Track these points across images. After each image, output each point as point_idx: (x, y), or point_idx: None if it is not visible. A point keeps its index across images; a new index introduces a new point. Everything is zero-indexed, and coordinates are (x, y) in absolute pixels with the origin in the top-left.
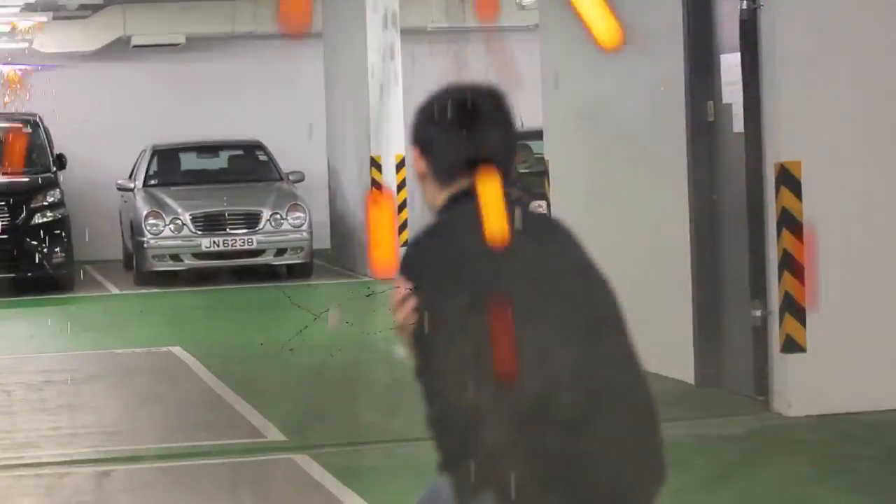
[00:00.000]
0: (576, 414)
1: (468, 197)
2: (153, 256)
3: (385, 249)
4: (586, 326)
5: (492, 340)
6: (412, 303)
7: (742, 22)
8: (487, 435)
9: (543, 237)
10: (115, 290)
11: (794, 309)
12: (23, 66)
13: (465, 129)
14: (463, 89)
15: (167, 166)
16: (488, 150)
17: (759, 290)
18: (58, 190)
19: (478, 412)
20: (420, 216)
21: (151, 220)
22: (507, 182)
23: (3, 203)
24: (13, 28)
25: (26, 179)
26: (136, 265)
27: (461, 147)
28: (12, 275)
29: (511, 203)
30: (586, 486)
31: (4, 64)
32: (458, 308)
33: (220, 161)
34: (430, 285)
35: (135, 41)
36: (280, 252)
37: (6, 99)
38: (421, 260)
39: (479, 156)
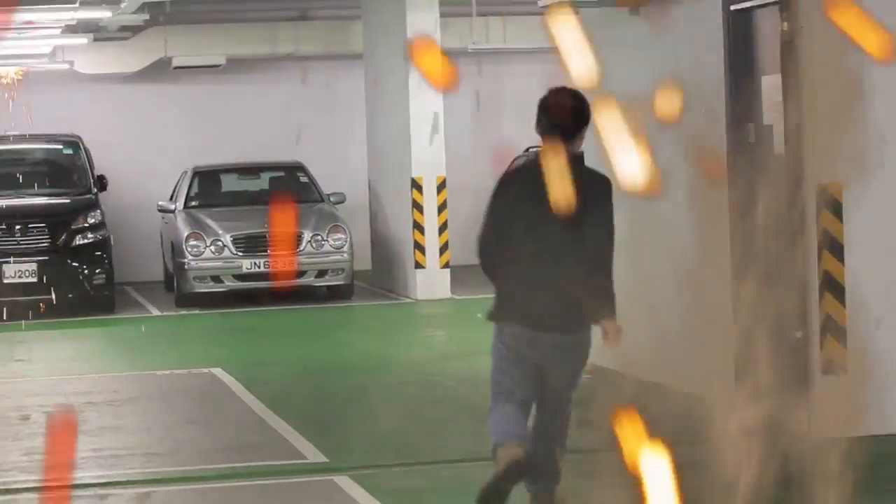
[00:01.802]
0: (534, 269)
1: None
2: (194, 278)
3: None
4: (558, 235)
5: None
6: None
7: (783, 44)
8: (495, 262)
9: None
10: (155, 312)
11: (835, 331)
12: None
13: (548, 113)
14: (552, 91)
15: (208, 188)
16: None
17: (800, 312)
18: (98, 211)
19: (490, 250)
20: (460, 239)
21: (192, 242)
22: (571, 147)
23: (44, 225)
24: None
25: (67, 201)
26: (177, 287)
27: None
28: (53, 296)
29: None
30: (529, 304)
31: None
32: (492, 202)
33: (262, 182)
34: (495, 187)
35: (176, 62)
36: (321, 273)
37: (6, 95)
38: (501, 175)
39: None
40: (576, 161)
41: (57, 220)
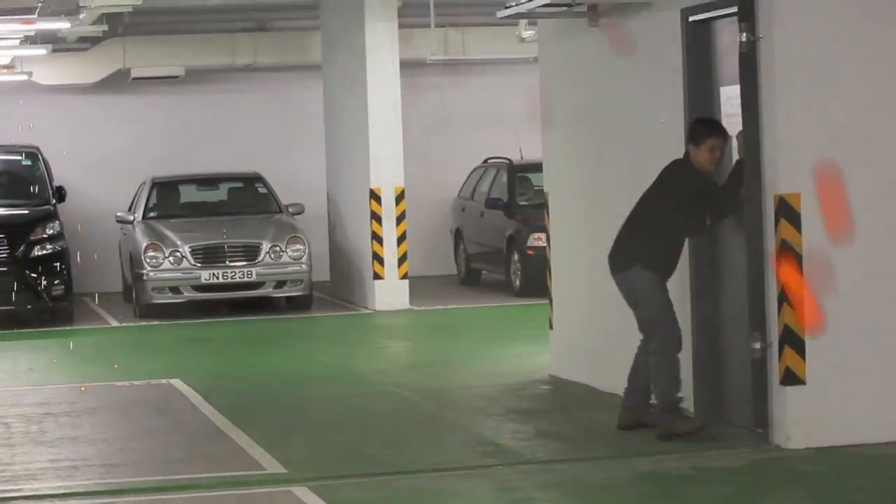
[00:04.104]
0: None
1: None
2: (153, 289)
3: None
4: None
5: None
6: None
7: (741, 54)
8: None
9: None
10: (114, 323)
11: (793, 341)
12: None
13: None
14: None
15: (167, 199)
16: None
17: (758, 322)
18: (57, 222)
19: None
20: (417, 253)
21: (151, 253)
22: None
23: (2, 235)
24: None
25: (26, 212)
26: (136, 297)
27: None
28: (11, 307)
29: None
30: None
31: None
32: None
33: (220, 193)
34: None
35: (134, 73)
36: (279, 284)
37: None
38: None
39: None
40: (675, 162)
41: (15, 231)
